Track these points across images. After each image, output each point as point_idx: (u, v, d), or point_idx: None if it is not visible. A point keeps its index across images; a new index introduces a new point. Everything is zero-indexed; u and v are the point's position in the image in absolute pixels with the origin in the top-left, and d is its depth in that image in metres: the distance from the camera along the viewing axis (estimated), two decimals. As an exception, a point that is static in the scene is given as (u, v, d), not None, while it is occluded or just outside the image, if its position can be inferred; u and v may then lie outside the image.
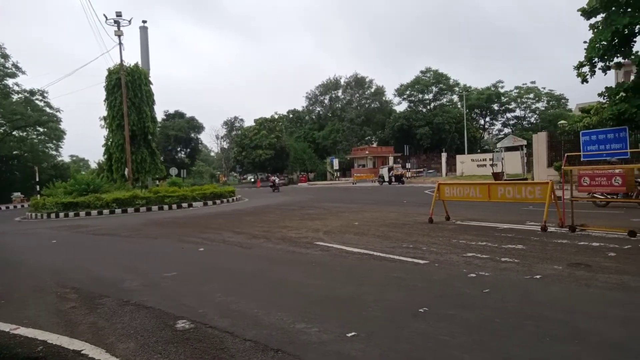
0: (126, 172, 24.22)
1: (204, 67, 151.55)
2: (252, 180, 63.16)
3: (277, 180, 34.93)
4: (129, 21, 24.19)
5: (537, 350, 2.94)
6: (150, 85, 26.31)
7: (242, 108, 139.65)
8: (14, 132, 43.31)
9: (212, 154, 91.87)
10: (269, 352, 3.07)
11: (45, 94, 43.06)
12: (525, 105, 61.33)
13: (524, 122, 61.56)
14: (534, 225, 8.53)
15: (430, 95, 60.77)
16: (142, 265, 6.87)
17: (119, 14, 23.67)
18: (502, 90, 59.93)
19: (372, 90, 65.20)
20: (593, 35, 13.65)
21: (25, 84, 53.47)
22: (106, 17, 23.66)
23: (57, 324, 4.04)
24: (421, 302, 4.05)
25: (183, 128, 60.06)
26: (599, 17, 13.65)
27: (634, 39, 13.40)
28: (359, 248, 7.04)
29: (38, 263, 7.62)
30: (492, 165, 28.73)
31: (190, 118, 62.54)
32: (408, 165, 46.78)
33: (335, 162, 52.99)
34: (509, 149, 29.25)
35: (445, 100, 61.88)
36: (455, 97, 61.76)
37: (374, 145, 62.48)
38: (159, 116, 48.10)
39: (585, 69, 14.08)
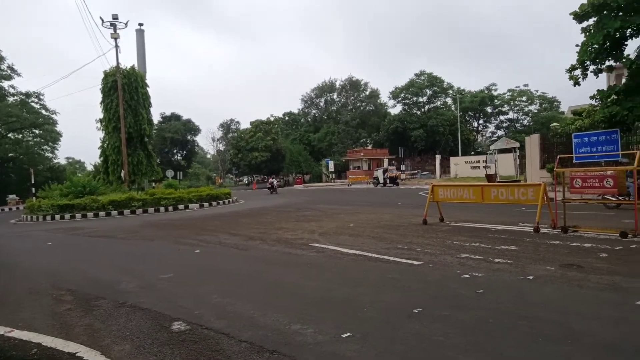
0: (122, 174, 24.14)
1: (201, 69, 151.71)
2: (248, 182, 63.13)
3: (275, 183, 35.14)
4: (125, 24, 24.19)
5: (531, 351, 2.97)
6: (147, 88, 26.28)
7: (238, 110, 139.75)
8: (9, 135, 43.15)
9: (209, 156, 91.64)
10: (265, 353, 3.08)
11: (41, 96, 43.17)
12: (518, 107, 61.78)
13: (517, 125, 61.97)
14: (527, 226, 8.58)
15: (425, 98, 61.00)
16: (139, 267, 6.86)
17: (115, 17, 23.67)
18: (495, 93, 60.42)
19: (367, 93, 65.50)
20: (585, 39, 13.83)
21: (22, 86, 53.48)
22: (102, 20, 23.65)
23: (53, 326, 4.03)
24: (416, 303, 4.08)
25: (179, 130, 59.88)
26: (591, 21, 13.84)
27: (625, 43, 13.60)
28: (354, 249, 7.07)
29: (33, 265, 7.58)
30: (485, 167, 28.95)
31: (186, 120, 62.35)
32: (402, 167, 46.86)
33: (331, 164, 53.06)
34: (502, 151, 29.48)
35: (439, 103, 62.18)
36: (449, 100, 62.01)
37: (369, 147, 62.63)
38: (156, 118, 48.16)
39: (578, 72, 14.27)
